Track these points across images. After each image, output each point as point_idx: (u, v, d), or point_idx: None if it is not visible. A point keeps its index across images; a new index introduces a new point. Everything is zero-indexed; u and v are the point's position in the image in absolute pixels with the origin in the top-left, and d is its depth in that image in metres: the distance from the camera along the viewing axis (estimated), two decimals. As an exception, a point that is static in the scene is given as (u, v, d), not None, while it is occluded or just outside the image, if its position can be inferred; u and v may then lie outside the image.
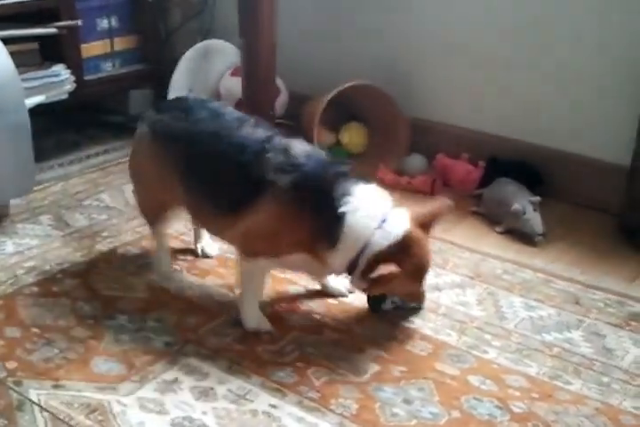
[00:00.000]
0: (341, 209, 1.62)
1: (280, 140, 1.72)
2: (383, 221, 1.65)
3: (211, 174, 1.75)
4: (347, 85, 2.53)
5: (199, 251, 2.08)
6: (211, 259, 2.07)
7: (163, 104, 1.94)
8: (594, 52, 2.34)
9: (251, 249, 1.71)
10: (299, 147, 1.71)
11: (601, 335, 1.82)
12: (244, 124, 1.77)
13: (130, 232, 2.20)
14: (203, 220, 1.89)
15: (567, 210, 2.43)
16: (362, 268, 1.65)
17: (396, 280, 1.63)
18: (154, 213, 1.96)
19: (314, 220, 1.64)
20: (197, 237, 2.09)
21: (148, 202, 1.96)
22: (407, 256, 1.65)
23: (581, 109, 2.41)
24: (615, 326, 1.86)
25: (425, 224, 1.72)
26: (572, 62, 2.38)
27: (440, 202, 1.79)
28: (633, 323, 1.87)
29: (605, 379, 1.66)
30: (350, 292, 1.90)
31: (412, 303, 1.83)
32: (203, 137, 1.76)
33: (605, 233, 2.31)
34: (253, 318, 1.77)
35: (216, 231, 1.85)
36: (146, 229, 2.20)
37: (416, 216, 1.70)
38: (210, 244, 2.09)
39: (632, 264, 2.14)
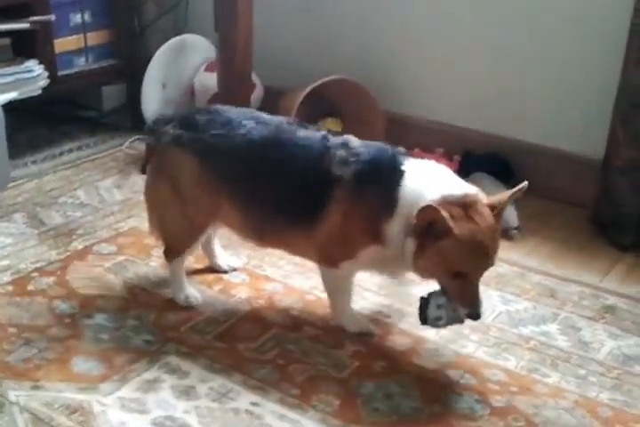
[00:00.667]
0: (401, 168, 1.58)
1: (335, 136, 1.69)
2: (445, 181, 1.57)
3: (276, 184, 1.68)
4: (323, 80, 2.51)
5: (225, 267, 1.98)
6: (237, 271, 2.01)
7: (187, 121, 1.75)
8: (567, 47, 2.35)
9: (329, 256, 1.67)
10: (354, 139, 1.69)
11: (576, 328, 1.83)
12: (294, 127, 1.72)
13: (106, 229, 2.17)
14: (265, 235, 1.75)
15: (541, 204, 2.44)
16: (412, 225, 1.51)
17: (447, 242, 1.47)
18: (187, 240, 1.80)
19: (377, 202, 1.59)
20: (212, 255, 1.98)
21: (181, 227, 1.78)
22: (465, 218, 1.49)
23: (555, 104, 2.42)
24: (590, 318, 1.87)
25: (495, 208, 1.54)
26: (545, 57, 2.39)
27: (514, 189, 1.57)
28: (607, 315, 1.89)
29: (582, 371, 1.68)
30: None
31: (464, 309, 1.58)
32: (262, 146, 1.68)
33: (579, 227, 2.33)
34: (354, 323, 1.75)
35: (283, 245, 1.77)
36: (122, 226, 2.19)
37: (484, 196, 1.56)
38: (227, 256, 2.01)
39: (605, 257, 2.16)
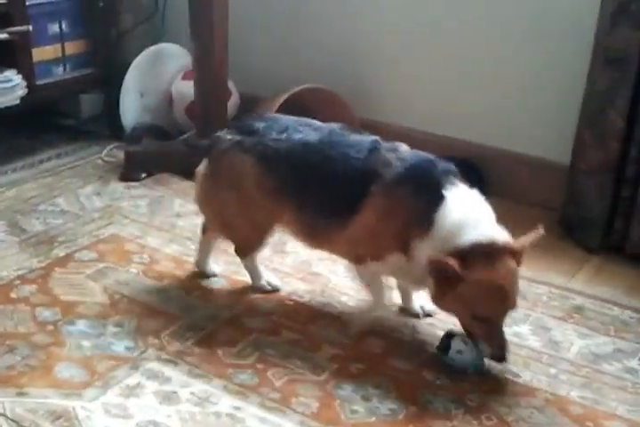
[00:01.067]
0: (443, 191, 1.60)
1: (386, 142, 1.73)
2: (480, 222, 1.60)
3: (326, 184, 1.70)
4: (298, 89, 2.52)
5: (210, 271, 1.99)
6: (168, 262, 2.04)
7: (246, 128, 1.78)
8: (534, 55, 2.38)
9: (358, 254, 1.70)
10: (405, 147, 1.74)
11: (547, 328, 1.85)
12: (347, 131, 1.76)
13: (87, 236, 2.16)
14: (316, 235, 1.77)
15: (509, 207, 2.44)
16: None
17: (463, 289, 1.52)
18: (254, 241, 1.84)
19: (411, 212, 1.61)
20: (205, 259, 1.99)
21: (248, 230, 1.81)
22: (487, 266, 1.54)
23: (523, 110, 2.45)
24: (560, 319, 1.89)
25: (517, 253, 1.62)
26: (512, 65, 2.42)
27: (534, 233, 1.70)
28: (576, 315, 1.91)
29: (553, 370, 1.70)
30: (428, 315, 1.84)
31: (488, 349, 1.60)
32: (317, 148, 1.71)
33: (547, 229, 2.32)
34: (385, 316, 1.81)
35: (329, 245, 1.78)
36: (103, 233, 2.18)
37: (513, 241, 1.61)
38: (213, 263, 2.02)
39: (572, 259, 2.18)
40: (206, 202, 1.84)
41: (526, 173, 2.46)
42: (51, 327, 1.73)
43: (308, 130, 1.75)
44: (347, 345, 1.73)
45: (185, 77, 2.74)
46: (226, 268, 2.03)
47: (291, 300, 1.90)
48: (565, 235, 2.29)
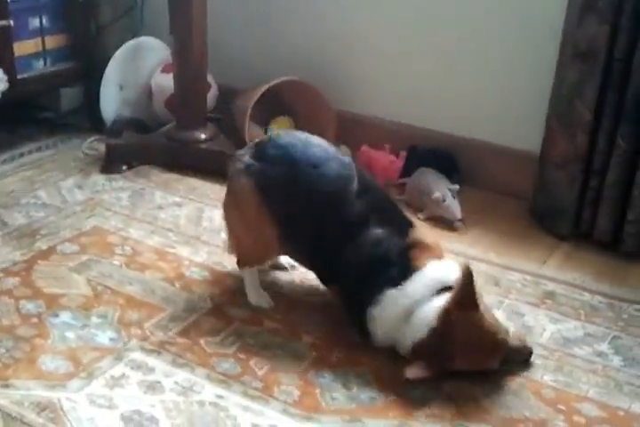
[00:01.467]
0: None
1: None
2: None
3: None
4: (276, 81, 2.49)
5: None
6: (151, 253, 2.02)
7: (260, 153, 1.72)
8: (505, 46, 2.37)
9: None
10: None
11: (520, 314, 1.86)
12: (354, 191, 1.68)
13: (69, 229, 2.12)
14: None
15: (482, 197, 2.47)
16: None
17: None
18: (255, 259, 1.82)
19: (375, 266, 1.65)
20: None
21: (249, 248, 1.79)
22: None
23: (495, 101, 2.44)
24: (532, 304, 1.90)
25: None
26: (484, 56, 2.42)
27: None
28: (548, 301, 1.92)
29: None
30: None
31: None
32: (322, 201, 1.68)
33: (518, 217, 2.36)
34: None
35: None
36: (85, 225, 2.15)
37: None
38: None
39: (543, 246, 2.19)
40: (224, 214, 1.82)
41: (498, 163, 2.46)
42: (35, 320, 1.71)
43: (317, 172, 1.67)
44: (327, 334, 1.72)
45: (164, 70, 2.70)
46: (207, 258, 2.01)
47: (271, 290, 1.88)
48: (536, 223, 2.30)
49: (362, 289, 1.61)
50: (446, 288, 1.56)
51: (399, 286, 1.57)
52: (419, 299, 1.56)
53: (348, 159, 1.72)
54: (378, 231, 1.62)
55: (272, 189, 1.68)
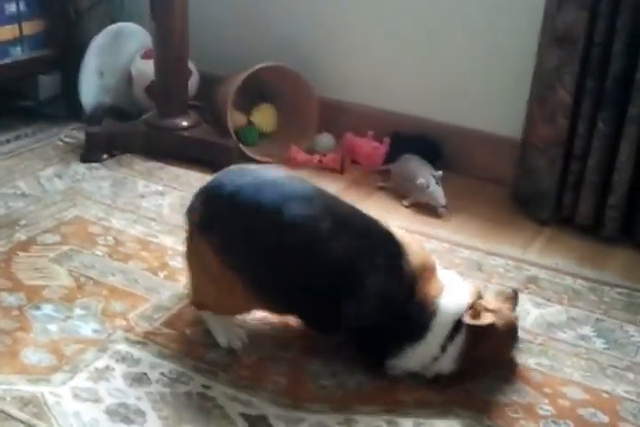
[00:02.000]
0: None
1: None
2: None
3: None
4: (258, 67, 2.45)
5: None
6: (133, 243, 1.98)
7: (211, 198, 1.52)
8: (486, 34, 2.34)
9: None
10: None
11: (504, 299, 1.84)
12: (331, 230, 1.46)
13: (49, 219, 2.07)
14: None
15: (465, 183, 2.45)
16: None
17: None
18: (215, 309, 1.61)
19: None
20: None
21: (209, 297, 1.58)
22: None
23: (477, 88, 2.42)
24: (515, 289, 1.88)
25: None
26: (466, 43, 2.39)
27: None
28: (531, 286, 1.91)
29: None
30: None
31: None
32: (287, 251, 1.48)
33: (501, 203, 2.35)
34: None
35: None
36: (66, 215, 2.10)
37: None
38: None
39: (526, 231, 2.18)
40: (185, 259, 1.62)
41: (480, 149, 2.44)
42: (16, 312, 1.66)
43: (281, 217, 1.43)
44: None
45: (145, 56, 2.64)
46: (190, 247, 1.97)
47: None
48: (518, 208, 2.29)
49: (374, 344, 1.48)
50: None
51: (420, 341, 1.44)
52: (443, 343, 1.45)
53: (309, 190, 1.48)
54: (375, 281, 1.42)
55: (229, 244, 1.46)
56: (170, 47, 2.40)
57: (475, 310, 1.45)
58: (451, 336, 1.44)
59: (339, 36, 2.59)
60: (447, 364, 1.48)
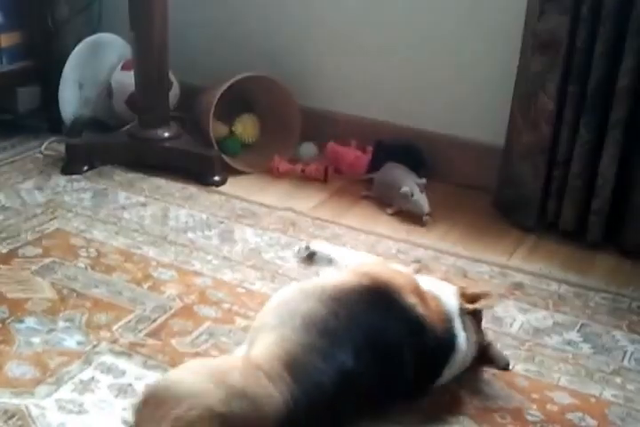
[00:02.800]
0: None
1: None
2: None
3: None
4: (240, 77, 2.47)
5: None
6: (116, 255, 1.99)
7: None
8: (467, 42, 2.39)
9: None
10: None
11: (489, 305, 1.86)
12: None
13: (30, 232, 2.07)
14: None
15: (449, 190, 2.47)
16: None
17: None
18: None
19: None
20: None
21: None
22: None
23: (459, 96, 2.45)
24: (501, 295, 1.91)
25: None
26: (447, 51, 2.43)
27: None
28: (516, 292, 1.93)
29: (498, 345, 1.70)
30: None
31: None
32: None
33: (484, 210, 2.37)
34: None
35: None
36: (47, 228, 2.10)
37: None
38: None
39: (509, 238, 2.21)
40: None
41: (463, 157, 2.47)
42: (-1, 325, 1.67)
43: None
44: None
45: (124, 68, 2.65)
46: (175, 258, 1.98)
47: (242, 287, 1.86)
48: (501, 216, 2.32)
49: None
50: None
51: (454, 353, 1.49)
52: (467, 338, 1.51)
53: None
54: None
55: None
56: (150, 58, 2.41)
57: (465, 295, 1.53)
58: (464, 328, 1.50)
59: (320, 46, 2.62)
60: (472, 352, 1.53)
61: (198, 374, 1.23)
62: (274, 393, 1.21)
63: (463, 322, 1.50)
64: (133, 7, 2.36)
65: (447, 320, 1.48)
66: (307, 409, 1.23)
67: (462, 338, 1.49)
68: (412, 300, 1.44)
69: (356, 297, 1.41)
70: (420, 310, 1.44)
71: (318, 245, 1.73)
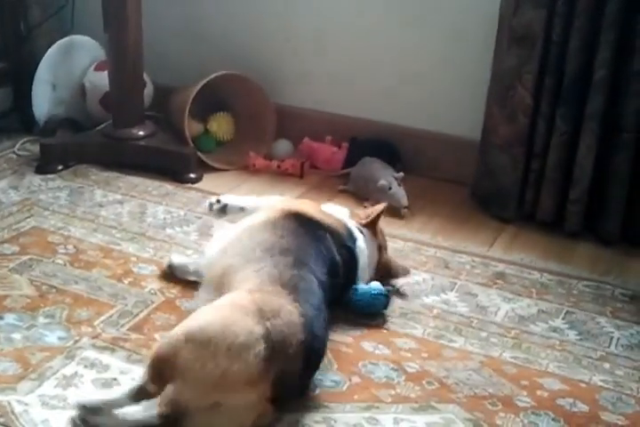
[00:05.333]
0: None
1: None
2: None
3: None
4: (214, 75, 2.41)
5: None
6: (95, 251, 1.91)
7: None
8: (441, 37, 2.36)
9: None
10: None
11: (473, 295, 1.83)
12: None
13: (6, 230, 1.99)
14: None
15: (424, 184, 2.44)
16: None
17: None
18: None
19: None
20: None
21: None
22: None
23: (433, 91, 2.43)
24: (484, 285, 1.88)
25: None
26: (421, 47, 2.40)
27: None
28: (499, 281, 1.90)
29: (484, 334, 1.67)
30: None
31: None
32: None
33: (461, 203, 2.35)
34: None
35: None
36: (23, 226, 2.02)
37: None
38: None
39: (488, 229, 2.18)
40: None
41: (436, 150, 2.44)
42: (-23, 323, 1.58)
43: None
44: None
45: (97, 68, 2.59)
46: (154, 253, 1.92)
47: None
48: (479, 207, 2.29)
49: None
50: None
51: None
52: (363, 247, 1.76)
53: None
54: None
55: None
56: (124, 58, 2.35)
57: (357, 214, 1.82)
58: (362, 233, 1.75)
59: (294, 44, 2.57)
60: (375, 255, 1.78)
61: (222, 312, 1.33)
62: (290, 307, 1.36)
63: (360, 231, 1.75)
64: (107, 9, 2.30)
65: (346, 228, 1.72)
66: (313, 313, 1.40)
67: (361, 240, 1.72)
68: (320, 217, 1.69)
69: (286, 223, 1.63)
70: (329, 222, 1.69)
71: (228, 198, 1.85)
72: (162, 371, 1.27)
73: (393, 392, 1.46)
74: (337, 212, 1.79)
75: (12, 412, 1.32)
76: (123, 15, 2.29)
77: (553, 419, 1.43)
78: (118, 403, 1.28)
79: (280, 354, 1.29)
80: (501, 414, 1.43)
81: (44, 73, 2.58)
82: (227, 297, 1.41)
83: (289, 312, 1.35)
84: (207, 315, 1.35)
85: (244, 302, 1.35)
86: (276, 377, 1.28)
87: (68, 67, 2.63)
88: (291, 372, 1.32)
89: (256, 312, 1.32)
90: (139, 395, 1.28)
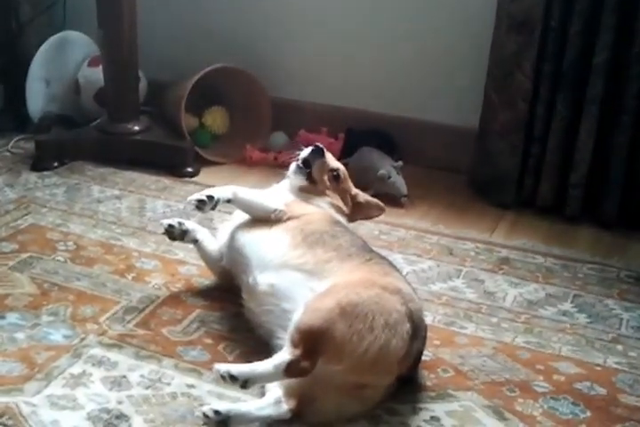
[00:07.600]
0: None
1: None
2: None
3: None
4: (209, 69, 2.32)
5: None
6: (96, 247, 1.82)
7: None
8: (438, 24, 2.28)
9: None
10: None
11: (480, 281, 1.76)
12: None
13: (4, 228, 1.89)
14: None
15: (422, 173, 2.36)
16: None
17: None
18: None
19: None
20: None
21: None
22: None
23: (429, 80, 2.35)
24: (489, 271, 1.81)
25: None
26: (417, 36, 2.32)
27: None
28: (504, 267, 1.83)
29: (494, 320, 1.61)
30: None
31: None
32: None
33: (459, 190, 2.28)
34: None
35: None
36: (21, 224, 1.93)
37: None
38: None
39: (489, 216, 2.12)
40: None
41: (432, 139, 2.37)
42: (-21, 323, 1.49)
43: None
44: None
45: (91, 64, 2.49)
46: (156, 248, 1.83)
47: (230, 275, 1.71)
48: (477, 195, 2.23)
49: None
50: None
51: None
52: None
53: None
54: None
55: None
56: (119, 54, 2.26)
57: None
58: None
59: (289, 36, 2.49)
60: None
61: (372, 289, 1.29)
62: (408, 288, 1.37)
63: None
64: (102, 5, 2.21)
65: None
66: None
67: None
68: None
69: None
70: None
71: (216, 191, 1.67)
72: (315, 345, 1.20)
73: (409, 382, 1.39)
74: (279, 189, 1.67)
75: (21, 414, 1.24)
76: (117, 11, 2.21)
77: (572, 403, 1.36)
78: (268, 377, 1.21)
79: (418, 334, 1.30)
80: (520, 400, 1.36)
81: (38, 70, 2.49)
82: (364, 276, 1.35)
83: (417, 297, 1.37)
84: (354, 290, 1.28)
85: (383, 282, 1.33)
86: (414, 357, 1.30)
87: (62, 63, 2.54)
88: (420, 353, 1.34)
89: (399, 293, 1.31)
90: (290, 371, 1.20)
